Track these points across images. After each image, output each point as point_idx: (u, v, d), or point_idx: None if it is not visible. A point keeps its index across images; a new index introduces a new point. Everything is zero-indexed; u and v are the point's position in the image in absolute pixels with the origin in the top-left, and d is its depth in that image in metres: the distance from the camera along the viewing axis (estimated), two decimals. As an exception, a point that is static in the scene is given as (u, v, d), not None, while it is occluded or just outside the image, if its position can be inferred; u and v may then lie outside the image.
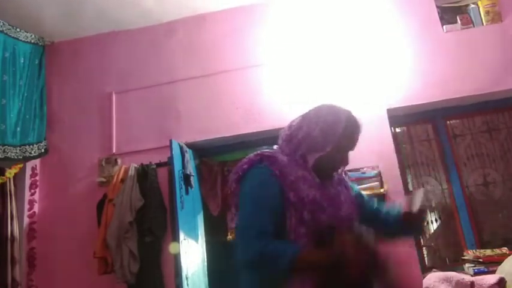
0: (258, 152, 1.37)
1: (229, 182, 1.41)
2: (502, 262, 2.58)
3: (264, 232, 1.22)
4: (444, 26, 3.31)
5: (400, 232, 1.55)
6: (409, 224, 1.46)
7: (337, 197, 1.36)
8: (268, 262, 1.19)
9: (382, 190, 2.94)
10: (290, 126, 1.41)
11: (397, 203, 1.59)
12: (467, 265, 2.80)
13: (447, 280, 2.54)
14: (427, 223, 3.18)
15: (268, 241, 1.21)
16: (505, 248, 2.81)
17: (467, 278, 2.54)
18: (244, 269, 1.29)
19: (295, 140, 1.36)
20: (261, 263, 1.21)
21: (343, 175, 1.49)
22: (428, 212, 1.33)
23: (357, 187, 1.56)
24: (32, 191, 3.45)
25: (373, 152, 3.07)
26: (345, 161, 1.39)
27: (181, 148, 3.15)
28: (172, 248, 3.03)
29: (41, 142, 3.49)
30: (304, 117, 1.39)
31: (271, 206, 1.26)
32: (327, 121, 1.33)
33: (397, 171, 3.05)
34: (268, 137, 3.38)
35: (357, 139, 1.39)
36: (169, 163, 3.13)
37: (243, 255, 1.23)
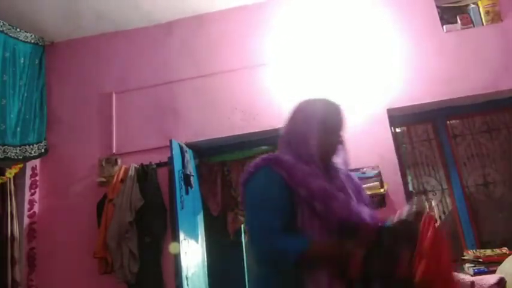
0: (264, 156, 1.42)
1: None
2: (502, 262, 2.57)
3: (271, 228, 1.27)
4: (444, 26, 3.30)
5: None
6: None
7: (345, 188, 1.39)
8: (279, 257, 1.24)
9: (382, 190, 2.94)
10: (282, 131, 1.48)
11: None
12: (467, 265, 2.80)
13: (447, 279, 2.53)
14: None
15: (276, 237, 1.26)
16: (505, 248, 2.81)
17: (467, 278, 2.54)
18: (259, 267, 1.35)
19: (290, 140, 1.43)
20: (272, 260, 1.27)
21: (352, 174, 1.52)
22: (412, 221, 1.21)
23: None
24: (32, 191, 3.45)
25: (373, 152, 3.08)
26: (339, 141, 1.46)
27: (181, 148, 3.15)
28: (172, 248, 3.03)
29: (41, 142, 3.49)
30: (288, 118, 1.48)
31: (276, 205, 1.30)
32: (306, 110, 1.44)
33: (397, 171, 3.05)
34: (268, 137, 3.41)
35: (340, 118, 1.47)
36: (169, 163, 3.13)
37: (255, 254, 1.30)
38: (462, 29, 3.28)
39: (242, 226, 4.22)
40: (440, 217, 3.26)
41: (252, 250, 1.32)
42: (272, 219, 1.28)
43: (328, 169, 1.41)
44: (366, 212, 1.34)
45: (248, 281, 4.52)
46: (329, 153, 1.43)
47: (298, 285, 1.24)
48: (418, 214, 1.32)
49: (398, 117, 3.29)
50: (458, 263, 2.95)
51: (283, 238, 1.26)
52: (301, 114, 1.43)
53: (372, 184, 2.98)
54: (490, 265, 2.66)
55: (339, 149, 1.47)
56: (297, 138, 1.40)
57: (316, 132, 1.38)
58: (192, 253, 3.02)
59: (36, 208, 3.44)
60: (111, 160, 3.42)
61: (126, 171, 3.25)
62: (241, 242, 4.50)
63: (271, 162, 1.37)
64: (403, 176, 3.17)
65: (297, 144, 1.39)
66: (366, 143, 3.10)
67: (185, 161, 3.12)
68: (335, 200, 1.30)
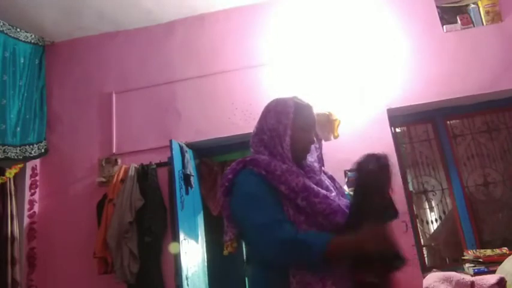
0: (239, 160, 1.41)
1: (218, 196, 1.43)
2: (502, 262, 2.57)
3: (284, 221, 1.24)
4: (444, 26, 3.31)
5: None
6: None
7: (323, 182, 1.41)
8: (301, 250, 1.18)
9: (382, 190, 2.93)
10: (254, 130, 1.48)
11: None
12: (467, 265, 2.80)
13: (447, 280, 2.54)
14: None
15: (293, 228, 1.23)
16: (505, 248, 2.81)
17: (467, 278, 2.54)
18: (273, 260, 1.25)
19: (263, 138, 1.43)
20: (293, 249, 1.19)
21: (326, 172, 1.54)
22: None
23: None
24: (32, 191, 3.45)
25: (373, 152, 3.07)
26: (312, 140, 1.46)
27: (181, 148, 3.15)
28: (172, 248, 3.03)
29: (41, 142, 3.49)
30: (261, 119, 1.48)
31: (271, 200, 1.30)
32: (276, 109, 1.44)
33: (397, 171, 3.04)
34: (268, 137, 3.41)
35: (312, 117, 1.47)
36: (169, 163, 3.13)
37: (271, 249, 1.21)
38: (462, 29, 3.29)
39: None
40: (440, 217, 3.26)
41: (266, 243, 1.22)
42: (277, 213, 1.26)
43: (302, 167, 1.42)
44: (344, 204, 1.36)
45: (248, 281, 4.51)
46: (302, 152, 1.44)
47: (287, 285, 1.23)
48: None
49: (398, 117, 3.29)
50: (459, 263, 2.96)
51: (301, 232, 1.23)
52: (273, 113, 1.43)
53: (371, 184, 2.97)
54: (490, 265, 2.66)
55: (312, 148, 1.48)
56: (271, 137, 1.40)
57: (289, 130, 1.39)
58: (192, 253, 3.02)
59: (36, 208, 3.44)
60: (111, 160, 3.42)
61: (126, 171, 3.24)
62: (242, 242, 4.51)
63: (248, 164, 1.37)
64: (403, 176, 3.18)
65: (271, 143, 1.40)
66: (366, 143, 3.09)
67: (185, 161, 3.12)
68: (315, 195, 1.31)
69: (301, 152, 1.43)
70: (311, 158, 1.48)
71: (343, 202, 1.38)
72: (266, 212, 1.27)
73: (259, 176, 1.33)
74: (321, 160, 1.52)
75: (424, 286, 2.60)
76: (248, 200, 1.31)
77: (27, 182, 3.43)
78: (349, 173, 3.04)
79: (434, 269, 2.88)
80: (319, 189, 1.34)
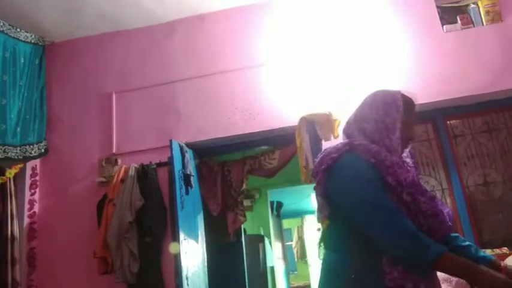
0: (345, 141, 1.38)
1: (313, 172, 1.38)
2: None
3: (397, 212, 1.21)
4: (444, 26, 3.31)
5: None
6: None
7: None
8: (418, 248, 1.16)
9: (382, 190, 2.93)
10: (352, 118, 1.45)
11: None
12: (467, 265, 2.80)
13: (447, 280, 2.53)
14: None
15: (411, 225, 1.20)
16: (505, 248, 2.81)
17: (467, 278, 2.54)
18: (389, 247, 1.21)
19: (364, 128, 1.39)
20: (412, 243, 1.17)
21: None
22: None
23: None
24: (32, 191, 3.45)
25: (373, 152, 3.07)
26: (414, 136, 1.44)
27: (181, 148, 3.15)
28: (172, 248, 3.04)
29: (41, 142, 3.49)
30: (364, 108, 1.45)
31: (380, 186, 1.25)
32: (385, 101, 1.41)
33: (397, 171, 3.04)
34: (268, 137, 3.41)
35: (415, 113, 1.45)
36: (169, 163, 3.13)
37: (395, 231, 1.19)
38: (462, 29, 3.28)
39: (242, 226, 4.22)
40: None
41: (387, 231, 1.19)
42: (391, 202, 1.23)
43: None
44: (446, 210, 1.33)
45: (248, 281, 4.52)
46: (405, 147, 1.43)
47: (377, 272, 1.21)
48: None
49: (398, 117, 3.28)
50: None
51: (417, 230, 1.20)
52: (381, 104, 1.40)
53: (372, 184, 2.97)
54: (490, 265, 2.66)
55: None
56: (376, 128, 1.37)
57: (398, 124, 1.36)
58: (192, 253, 3.02)
59: (36, 208, 3.44)
60: (111, 160, 3.42)
61: (126, 171, 3.24)
62: (241, 242, 4.51)
63: (356, 148, 1.32)
64: (403, 176, 3.17)
65: (376, 134, 1.37)
66: (366, 143, 3.09)
67: (185, 161, 3.12)
68: (422, 194, 1.28)
69: (404, 147, 1.42)
70: (404, 153, 1.46)
71: (446, 209, 1.34)
72: (385, 197, 1.23)
73: (368, 162, 1.28)
74: (413, 155, 1.49)
75: (424, 286, 2.60)
76: (356, 181, 1.27)
77: (27, 182, 3.43)
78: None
79: (434, 269, 2.88)
80: (426, 188, 1.32)
